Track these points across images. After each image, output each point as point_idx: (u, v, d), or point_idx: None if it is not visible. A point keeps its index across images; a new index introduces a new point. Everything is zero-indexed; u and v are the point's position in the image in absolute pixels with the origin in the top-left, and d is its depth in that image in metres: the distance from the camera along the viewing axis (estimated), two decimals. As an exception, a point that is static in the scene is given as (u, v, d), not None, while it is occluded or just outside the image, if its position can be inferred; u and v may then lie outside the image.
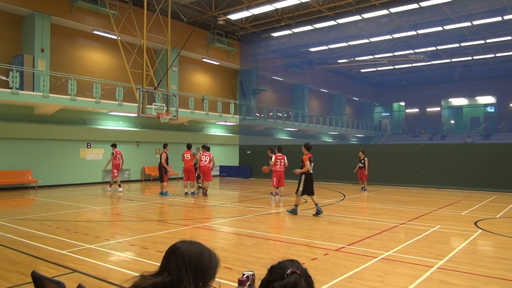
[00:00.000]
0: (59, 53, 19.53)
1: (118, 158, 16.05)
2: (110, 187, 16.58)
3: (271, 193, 14.02)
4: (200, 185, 15.53)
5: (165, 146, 15.34)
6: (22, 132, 17.33)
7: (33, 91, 17.19)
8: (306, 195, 10.49)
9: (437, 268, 5.63)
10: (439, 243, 7.32)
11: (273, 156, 13.39)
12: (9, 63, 17.39)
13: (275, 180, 13.17)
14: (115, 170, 16.04)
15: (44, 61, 18.13)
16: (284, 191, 14.14)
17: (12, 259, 6.11)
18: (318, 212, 10.17)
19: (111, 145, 16.57)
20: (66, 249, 6.68)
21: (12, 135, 17.05)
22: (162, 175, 14.90)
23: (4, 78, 16.19)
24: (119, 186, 16.00)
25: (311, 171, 10.46)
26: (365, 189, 16.45)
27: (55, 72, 18.43)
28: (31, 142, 17.71)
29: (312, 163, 10.51)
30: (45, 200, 14.00)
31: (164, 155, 14.95)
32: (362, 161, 16.40)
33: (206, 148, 15.02)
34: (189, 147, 15.30)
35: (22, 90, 16.67)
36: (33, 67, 17.68)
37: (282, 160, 13.21)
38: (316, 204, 10.32)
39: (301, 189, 10.35)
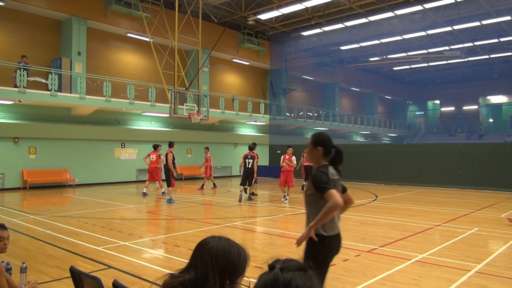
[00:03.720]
0: (94, 56, 20.17)
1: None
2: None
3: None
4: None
5: (171, 144, 13.52)
6: (61, 133, 18.02)
7: (70, 93, 17.83)
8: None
9: (475, 272, 5.42)
10: (477, 246, 7.05)
11: (282, 157, 13.37)
12: (48, 66, 18.13)
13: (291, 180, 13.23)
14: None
15: (80, 64, 18.78)
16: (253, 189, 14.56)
17: (51, 254, 6.36)
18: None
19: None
20: (102, 246, 6.89)
21: (51, 136, 17.76)
22: (169, 178, 13.13)
23: (44, 81, 16.90)
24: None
25: None
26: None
27: (91, 74, 19.06)
28: (68, 142, 18.39)
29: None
30: (82, 198, 14.49)
31: (170, 156, 13.16)
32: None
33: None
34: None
35: (61, 92, 17.33)
36: (71, 70, 18.34)
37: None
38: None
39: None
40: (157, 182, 14.73)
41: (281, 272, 1.25)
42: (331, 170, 3.27)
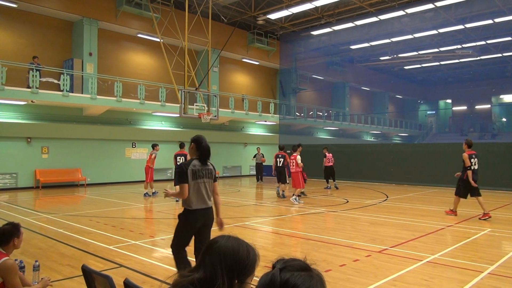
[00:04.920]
0: (105, 56, 20.36)
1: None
2: None
3: (294, 194, 13.78)
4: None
5: (182, 145, 13.74)
6: (72, 133, 18.23)
7: (82, 93, 18.03)
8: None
9: (488, 273, 5.34)
10: (490, 247, 6.96)
11: (299, 157, 12.90)
12: (60, 67, 18.34)
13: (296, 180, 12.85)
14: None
15: (92, 65, 18.97)
16: (285, 189, 14.25)
17: (63, 253, 6.44)
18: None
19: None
20: (113, 245, 6.95)
21: (63, 135, 17.97)
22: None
23: (56, 81, 17.10)
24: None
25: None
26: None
27: (102, 75, 19.24)
28: (80, 142, 18.59)
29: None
30: (93, 197, 14.64)
31: (188, 157, 13.70)
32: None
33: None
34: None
35: (72, 92, 17.53)
36: (82, 71, 18.54)
37: (293, 161, 12.79)
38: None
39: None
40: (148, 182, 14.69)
41: (280, 271, 1.25)
42: (195, 162, 4.55)
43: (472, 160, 9.84)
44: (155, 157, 14.65)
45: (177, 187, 4.54)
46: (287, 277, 1.22)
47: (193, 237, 4.63)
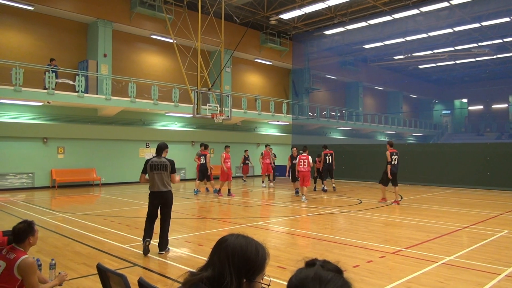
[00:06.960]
0: (120, 57, 20.58)
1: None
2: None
3: (297, 193, 14.97)
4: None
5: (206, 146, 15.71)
6: (87, 133, 18.48)
7: (97, 94, 18.26)
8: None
9: (505, 276, 5.25)
10: (507, 249, 6.82)
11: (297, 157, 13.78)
12: (75, 68, 18.61)
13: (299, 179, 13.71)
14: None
15: (106, 66, 19.20)
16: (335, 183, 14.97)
17: (79, 252, 6.53)
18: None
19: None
20: (127, 244, 7.02)
21: (78, 136, 18.23)
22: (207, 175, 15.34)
23: (71, 82, 17.36)
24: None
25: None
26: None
27: (117, 75, 19.45)
28: (95, 142, 18.83)
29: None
30: (108, 197, 14.81)
31: (208, 156, 15.33)
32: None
33: (303, 150, 13.77)
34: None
35: (87, 93, 17.76)
36: (97, 72, 18.78)
37: (306, 160, 13.34)
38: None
39: None
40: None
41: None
42: (154, 158, 6.57)
43: (393, 157, 12.12)
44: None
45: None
46: (330, 276, 1.25)
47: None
